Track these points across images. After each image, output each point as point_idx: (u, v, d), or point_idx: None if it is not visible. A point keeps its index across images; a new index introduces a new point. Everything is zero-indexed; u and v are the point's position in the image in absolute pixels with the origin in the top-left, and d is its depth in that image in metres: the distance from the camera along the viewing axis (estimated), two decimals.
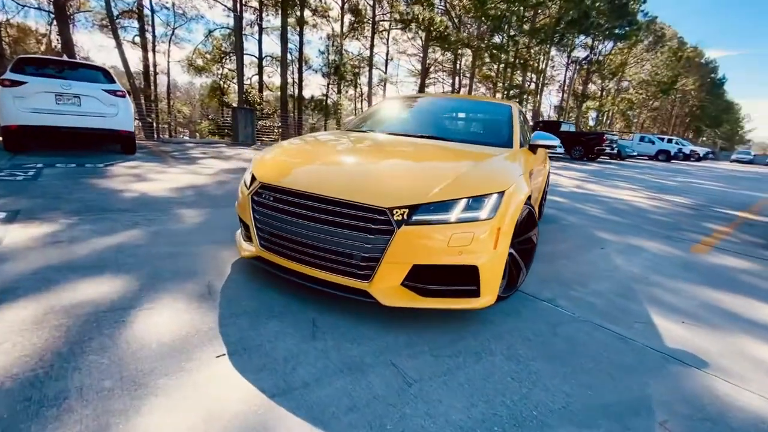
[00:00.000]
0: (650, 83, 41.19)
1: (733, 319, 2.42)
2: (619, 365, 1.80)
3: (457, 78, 28.77)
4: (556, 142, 2.95)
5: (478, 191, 1.90)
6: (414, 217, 1.79)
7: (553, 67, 38.83)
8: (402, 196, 1.83)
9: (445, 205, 1.82)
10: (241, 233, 2.46)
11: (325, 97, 19.71)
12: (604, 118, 46.42)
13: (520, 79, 32.70)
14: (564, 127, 20.59)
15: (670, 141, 28.02)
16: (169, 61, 25.36)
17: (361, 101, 24.47)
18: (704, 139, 67.78)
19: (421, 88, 21.66)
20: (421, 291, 1.86)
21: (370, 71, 21.25)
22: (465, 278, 1.85)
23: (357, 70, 21.53)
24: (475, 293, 1.88)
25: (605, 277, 2.94)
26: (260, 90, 21.65)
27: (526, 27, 26.46)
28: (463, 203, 1.84)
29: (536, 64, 33.27)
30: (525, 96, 32.70)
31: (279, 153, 2.54)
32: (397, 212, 1.78)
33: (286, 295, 2.14)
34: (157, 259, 2.49)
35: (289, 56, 18.33)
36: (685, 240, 4.34)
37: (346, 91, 23.99)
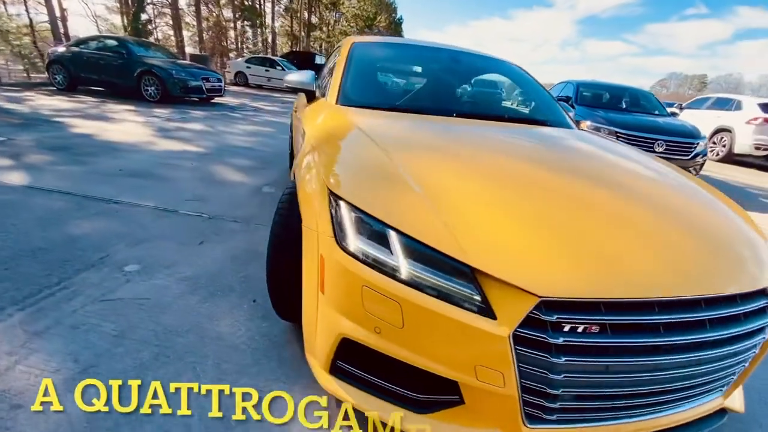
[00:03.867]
0: (359, 17, 46.23)
1: None
2: None
3: None
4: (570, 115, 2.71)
5: None
6: None
7: None
8: None
9: None
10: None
11: None
12: (331, 50, 49.60)
13: None
14: (318, 59, 20.45)
15: None
16: None
17: (32, 31, 14.76)
18: None
19: (137, 11, 15.29)
20: None
21: None
22: None
23: None
24: None
25: None
26: None
27: None
28: None
29: None
30: (258, 21, 30.06)
31: (481, 199, 1.13)
32: None
33: None
34: None
35: None
36: None
37: None
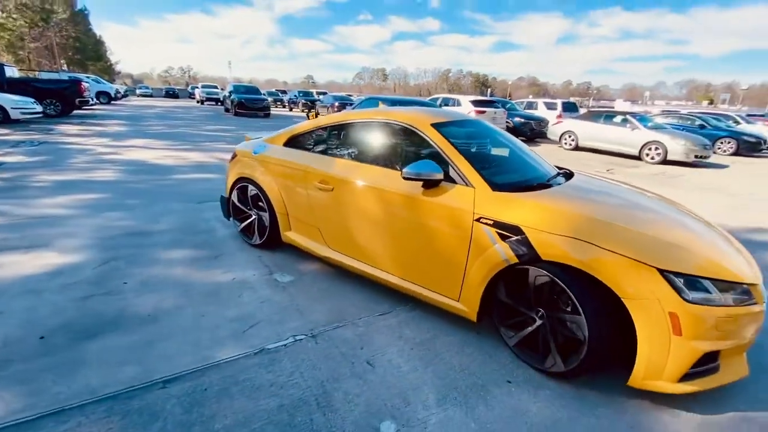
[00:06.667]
0: (27, 7, 34.30)
1: None
2: None
3: None
4: None
5: None
6: None
7: None
8: None
9: None
10: None
11: None
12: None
13: None
14: (9, 72, 14.31)
15: (99, 82, 26.86)
16: None
17: None
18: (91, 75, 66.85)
19: None
20: None
21: None
22: None
23: None
24: None
25: None
26: None
27: None
28: None
29: None
30: None
31: None
32: None
33: None
34: None
35: None
36: None
37: None
